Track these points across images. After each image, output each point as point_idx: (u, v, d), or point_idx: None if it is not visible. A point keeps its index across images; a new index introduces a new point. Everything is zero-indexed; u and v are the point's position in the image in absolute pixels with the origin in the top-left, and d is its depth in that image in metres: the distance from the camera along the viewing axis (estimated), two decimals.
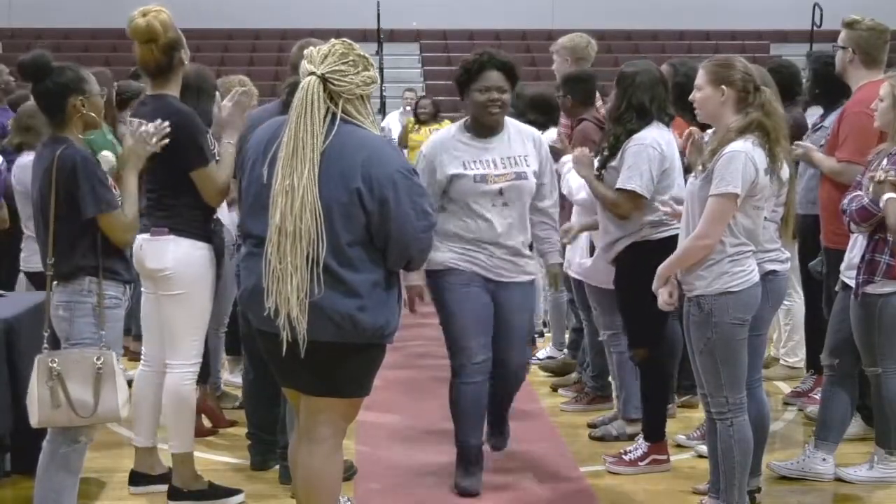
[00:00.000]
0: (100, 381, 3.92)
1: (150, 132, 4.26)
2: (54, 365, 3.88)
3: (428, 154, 4.90)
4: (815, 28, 16.13)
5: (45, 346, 3.98)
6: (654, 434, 5.31)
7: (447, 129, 5.07)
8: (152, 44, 4.56)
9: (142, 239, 4.65)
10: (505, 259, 4.89)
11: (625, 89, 5.14)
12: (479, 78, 4.80)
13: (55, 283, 4.00)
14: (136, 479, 4.92)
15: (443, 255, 4.82)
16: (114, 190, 4.01)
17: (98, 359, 3.93)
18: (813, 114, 6.37)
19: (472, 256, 4.86)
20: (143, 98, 4.88)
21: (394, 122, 13.90)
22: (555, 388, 6.79)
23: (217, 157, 4.69)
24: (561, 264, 5.32)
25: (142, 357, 4.93)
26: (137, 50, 4.61)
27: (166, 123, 4.42)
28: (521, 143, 4.92)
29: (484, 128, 4.88)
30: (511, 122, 4.99)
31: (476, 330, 4.86)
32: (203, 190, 4.58)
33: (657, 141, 5.03)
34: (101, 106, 4.12)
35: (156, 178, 4.64)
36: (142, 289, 4.84)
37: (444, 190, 4.85)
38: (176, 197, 4.60)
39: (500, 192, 4.82)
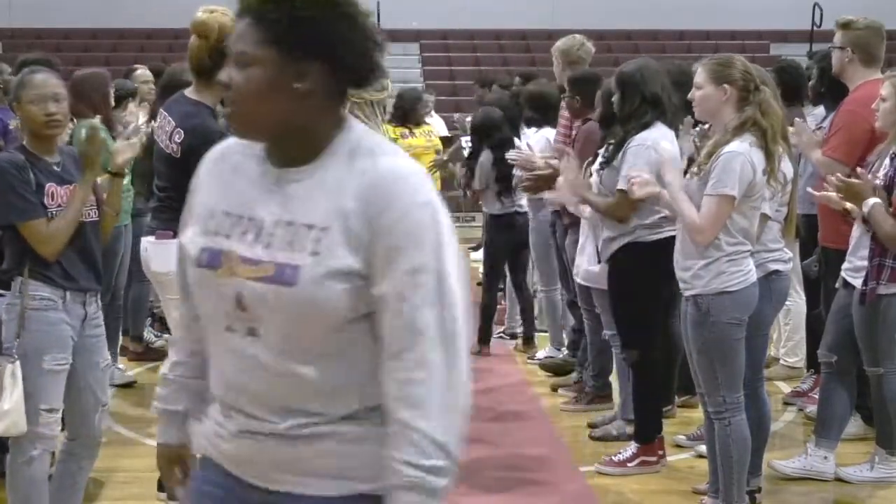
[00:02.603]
0: None
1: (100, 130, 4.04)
2: None
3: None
4: (815, 28, 16.14)
5: None
6: (644, 435, 5.30)
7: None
8: (204, 40, 4.42)
9: (146, 242, 4.63)
10: (253, 440, 2.09)
11: (636, 85, 5.11)
12: None
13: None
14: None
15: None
16: (50, 199, 3.86)
17: None
18: (814, 114, 6.36)
19: (207, 428, 2.22)
20: (178, 96, 4.69)
21: None
22: (555, 389, 6.78)
23: None
24: None
25: None
26: (191, 42, 4.48)
27: (142, 130, 4.34)
28: (336, 194, 2.02)
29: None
30: (363, 139, 2.09)
31: None
32: None
33: (658, 142, 5.03)
34: (32, 113, 3.87)
35: (166, 180, 4.60)
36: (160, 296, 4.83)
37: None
38: (183, 202, 4.52)
39: (238, 300, 2.04)
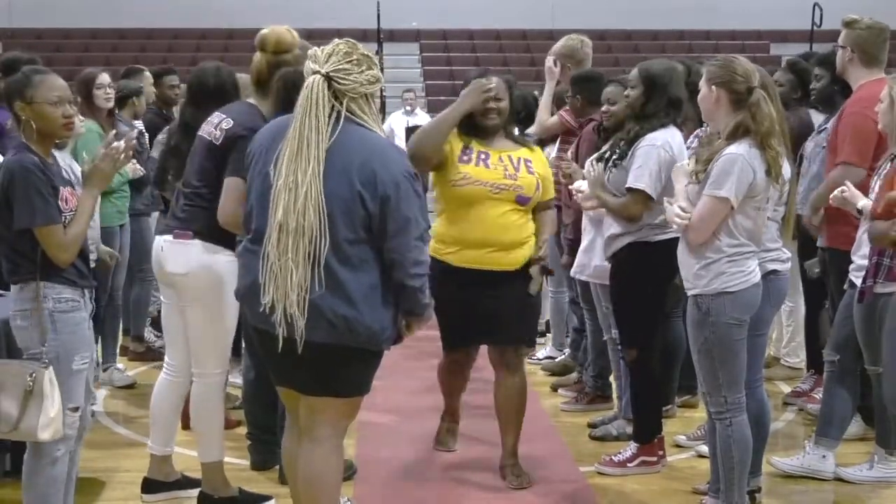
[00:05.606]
0: (28, 398, 3.77)
1: (121, 149, 3.95)
2: None
3: None
4: (815, 28, 16.15)
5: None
6: (644, 435, 5.30)
7: None
8: (262, 53, 4.79)
9: (163, 241, 4.58)
10: None
11: (664, 87, 5.07)
12: None
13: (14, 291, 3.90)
14: (151, 486, 4.82)
15: None
16: (64, 203, 3.83)
17: (31, 375, 3.78)
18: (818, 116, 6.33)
19: None
20: (239, 101, 4.85)
21: (396, 124, 13.86)
22: (555, 389, 6.79)
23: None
24: None
25: (164, 365, 4.81)
26: (254, 56, 4.81)
27: (135, 134, 4.37)
28: None
29: None
30: None
31: None
32: (226, 198, 4.37)
33: (668, 143, 5.02)
34: (50, 114, 3.83)
35: (198, 176, 4.55)
36: (161, 297, 4.78)
37: None
38: (208, 201, 4.47)
39: None
